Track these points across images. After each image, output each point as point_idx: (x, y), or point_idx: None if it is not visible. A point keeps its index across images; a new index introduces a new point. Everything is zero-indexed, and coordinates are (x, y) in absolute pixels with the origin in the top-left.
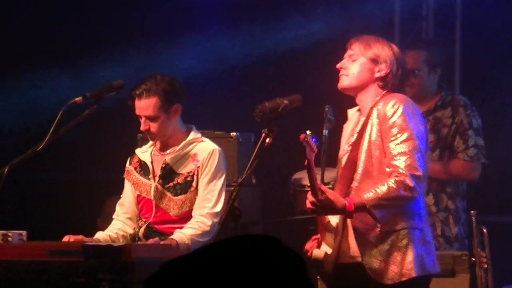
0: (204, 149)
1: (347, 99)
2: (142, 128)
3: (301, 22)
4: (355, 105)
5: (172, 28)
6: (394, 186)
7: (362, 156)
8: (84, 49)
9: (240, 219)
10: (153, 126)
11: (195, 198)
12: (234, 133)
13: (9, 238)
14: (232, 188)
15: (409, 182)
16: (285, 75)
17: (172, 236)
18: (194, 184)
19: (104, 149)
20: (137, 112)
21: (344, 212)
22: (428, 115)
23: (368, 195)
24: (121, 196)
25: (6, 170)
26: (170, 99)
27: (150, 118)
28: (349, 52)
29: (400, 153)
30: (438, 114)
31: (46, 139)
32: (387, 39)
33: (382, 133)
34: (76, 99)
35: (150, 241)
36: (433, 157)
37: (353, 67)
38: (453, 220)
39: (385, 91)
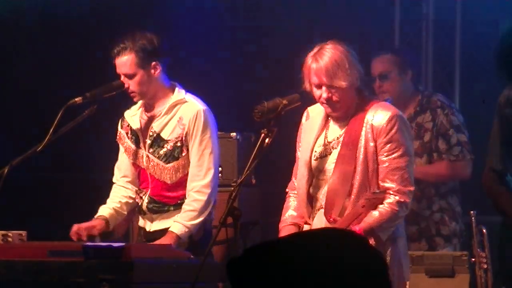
0: (188, 111)
1: None
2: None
3: (302, 22)
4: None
5: (171, 26)
6: (397, 209)
7: (359, 169)
8: None
9: (240, 219)
10: (132, 84)
11: (187, 163)
12: (234, 133)
13: (9, 238)
14: (232, 188)
15: (407, 200)
16: (285, 74)
17: (171, 228)
18: (184, 149)
19: (103, 149)
20: (117, 70)
21: None
22: (410, 122)
23: (374, 218)
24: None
25: (6, 170)
26: (147, 56)
27: (128, 76)
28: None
29: (397, 168)
30: (419, 119)
31: (46, 139)
32: (387, 39)
33: (377, 147)
34: (76, 99)
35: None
36: (421, 163)
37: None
38: (449, 218)
39: (366, 97)
